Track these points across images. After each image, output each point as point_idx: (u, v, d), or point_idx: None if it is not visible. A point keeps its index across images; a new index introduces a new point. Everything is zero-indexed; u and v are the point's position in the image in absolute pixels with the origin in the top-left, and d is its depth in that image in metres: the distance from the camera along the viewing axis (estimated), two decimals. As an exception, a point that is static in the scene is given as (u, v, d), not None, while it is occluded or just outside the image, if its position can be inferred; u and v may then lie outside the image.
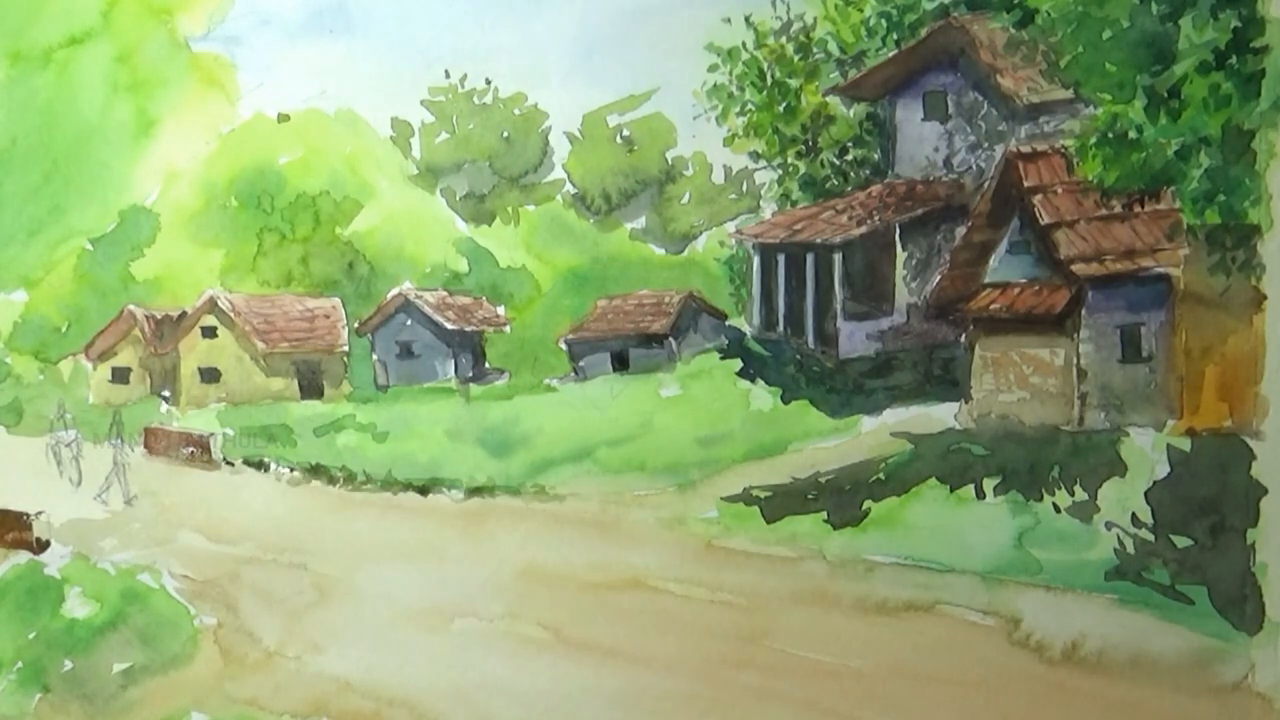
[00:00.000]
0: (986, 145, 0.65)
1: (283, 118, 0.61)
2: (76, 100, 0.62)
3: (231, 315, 0.65)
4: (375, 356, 0.70)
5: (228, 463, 0.69)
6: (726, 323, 0.71)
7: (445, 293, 0.68)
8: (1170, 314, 0.63)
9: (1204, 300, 0.64)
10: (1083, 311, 0.64)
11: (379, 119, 0.62)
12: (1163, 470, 0.61)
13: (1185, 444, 0.61)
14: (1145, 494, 0.62)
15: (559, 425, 0.65)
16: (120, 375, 0.71)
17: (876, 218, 0.66)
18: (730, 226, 0.68)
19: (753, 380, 0.66)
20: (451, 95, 0.64)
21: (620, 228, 0.68)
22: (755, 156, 0.67)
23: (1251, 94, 0.64)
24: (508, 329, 0.69)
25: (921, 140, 0.67)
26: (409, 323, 0.69)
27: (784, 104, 0.66)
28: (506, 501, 0.64)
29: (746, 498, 0.62)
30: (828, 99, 0.67)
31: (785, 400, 0.65)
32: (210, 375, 0.69)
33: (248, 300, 0.66)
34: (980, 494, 0.62)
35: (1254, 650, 0.62)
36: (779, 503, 0.62)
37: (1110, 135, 0.66)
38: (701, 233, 0.67)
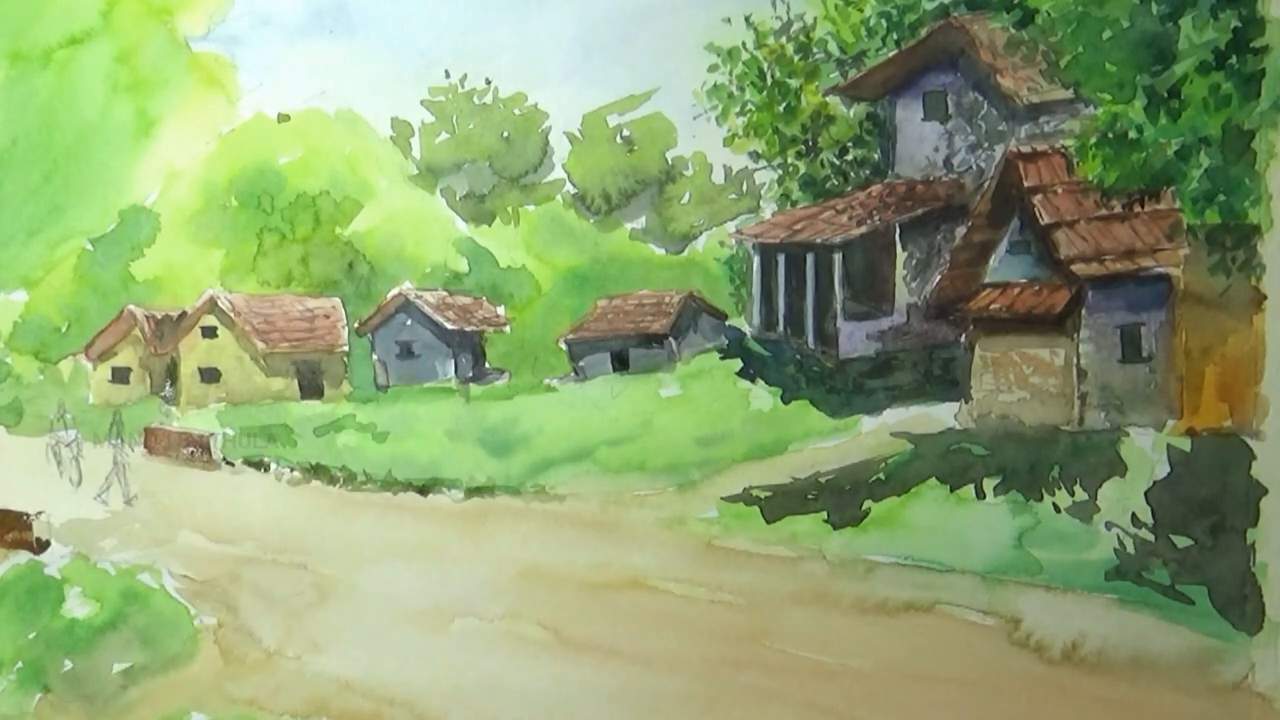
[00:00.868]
0: (986, 145, 0.65)
1: (283, 118, 0.60)
2: (76, 100, 0.62)
3: (231, 315, 0.65)
4: (375, 356, 0.70)
5: (228, 463, 0.69)
6: (726, 323, 0.71)
7: (445, 293, 0.68)
8: (1170, 314, 0.63)
9: (1204, 300, 0.64)
10: (1083, 311, 0.64)
11: (379, 119, 0.62)
12: (1163, 470, 0.61)
13: (1185, 444, 0.61)
14: (1145, 494, 0.61)
15: (559, 425, 0.64)
16: (120, 375, 0.70)
17: (876, 218, 0.66)
18: (730, 226, 0.68)
19: (753, 380, 0.66)
20: (451, 95, 0.64)
21: (620, 228, 0.68)
22: (755, 156, 0.67)
23: (1251, 94, 0.64)
24: (508, 329, 0.69)
25: (921, 140, 0.67)
26: (409, 323, 0.69)
27: (784, 104, 0.66)
28: (506, 501, 0.64)
29: (746, 498, 0.62)
30: (828, 99, 0.67)
31: (785, 400, 0.65)
32: (210, 375, 0.69)
33: (248, 300, 0.66)
34: (980, 494, 0.62)
35: (1254, 650, 0.62)
36: (779, 503, 0.62)
37: (1110, 135, 0.66)
38: (701, 233, 0.67)
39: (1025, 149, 0.65)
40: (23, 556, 0.74)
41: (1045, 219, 0.65)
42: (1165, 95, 0.65)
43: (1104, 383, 0.63)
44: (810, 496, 0.63)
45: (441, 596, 0.65)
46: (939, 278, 0.66)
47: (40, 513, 0.73)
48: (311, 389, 0.72)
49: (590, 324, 0.69)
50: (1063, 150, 0.64)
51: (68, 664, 0.71)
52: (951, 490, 0.63)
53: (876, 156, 0.69)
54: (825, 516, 0.63)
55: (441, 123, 0.66)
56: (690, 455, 0.64)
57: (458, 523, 0.69)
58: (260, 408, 0.73)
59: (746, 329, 0.70)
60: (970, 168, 0.67)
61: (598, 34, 0.62)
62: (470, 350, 0.72)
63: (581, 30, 0.62)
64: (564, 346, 0.69)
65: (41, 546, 0.75)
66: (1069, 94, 0.63)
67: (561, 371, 0.69)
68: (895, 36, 0.69)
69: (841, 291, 0.68)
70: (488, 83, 0.65)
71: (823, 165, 0.69)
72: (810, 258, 0.69)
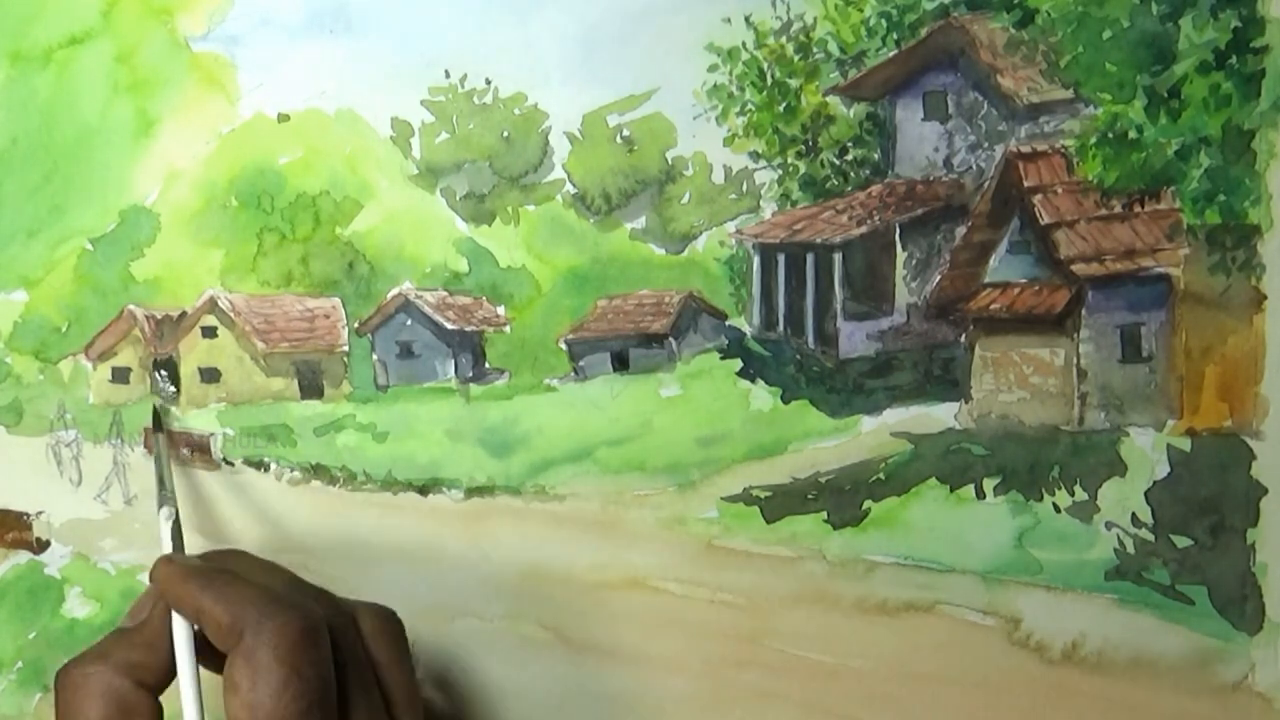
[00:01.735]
0: (986, 145, 0.65)
1: (283, 118, 0.59)
2: (76, 100, 0.60)
3: (231, 315, 0.63)
4: (375, 356, 0.68)
5: (227, 463, 0.68)
6: (726, 323, 0.69)
7: (445, 293, 0.66)
8: (1170, 314, 0.63)
9: (1204, 300, 0.64)
10: (1083, 311, 0.64)
11: (379, 119, 0.60)
12: (1163, 470, 0.61)
13: (1185, 444, 0.60)
14: (1145, 494, 0.61)
15: (559, 425, 0.64)
16: (120, 375, 0.69)
17: (876, 218, 0.66)
18: (730, 226, 0.67)
19: (753, 380, 0.65)
20: (451, 95, 0.63)
21: (620, 228, 0.66)
22: (755, 156, 0.65)
23: (1251, 94, 0.64)
24: (508, 329, 0.67)
25: (921, 140, 0.67)
26: (409, 323, 0.67)
27: (784, 104, 0.65)
28: (506, 501, 0.63)
29: (746, 498, 0.62)
30: (828, 99, 0.66)
31: (785, 400, 0.65)
32: (210, 375, 0.68)
33: (248, 300, 0.64)
34: (980, 494, 0.62)
35: (1254, 650, 0.63)
36: (779, 503, 0.62)
37: (1110, 135, 0.66)
38: (701, 233, 0.66)
39: (1025, 149, 0.64)
40: (23, 556, 0.73)
41: (1045, 219, 0.64)
42: (1165, 95, 0.66)
43: (1104, 383, 0.63)
44: (810, 496, 0.62)
45: (441, 596, 0.64)
46: (939, 278, 0.65)
47: (40, 513, 0.72)
48: (311, 389, 0.71)
49: (590, 324, 0.68)
50: (1063, 150, 0.64)
51: (67, 664, 0.72)
52: (951, 490, 0.63)
53: (876, 156, 0.68)
54: (825, 516, 0.63)
55: (441, 123, 0.64)
56: (690, 455, 0.64)
57: (458, 523, 0.68)
58: (260, 408, 0.71)
59: (746, 329, 0.68)
60: (970, 168, 0.66)
61: (598, 34, 0.62)
62: (470, 350, 0.70)
63: (581, 30, 0.61)
64: (564, 346, 0.68)
65: (41, 546, 0.75)
66: (1069, 94, 0.63)
67: (561, 371, 0.68)
68: (895, 36, 0.69)
69: (841, 291, 0.67)
70: (488, 83, 0.63)
71: (823, 165, 0.68)
72: (810, 258, 0.68)
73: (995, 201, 0.70)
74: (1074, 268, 0.69)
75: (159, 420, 0.62)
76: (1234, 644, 0.63)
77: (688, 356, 0.69)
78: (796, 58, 0.68)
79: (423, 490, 0.68)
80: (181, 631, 0.37)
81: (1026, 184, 0.70)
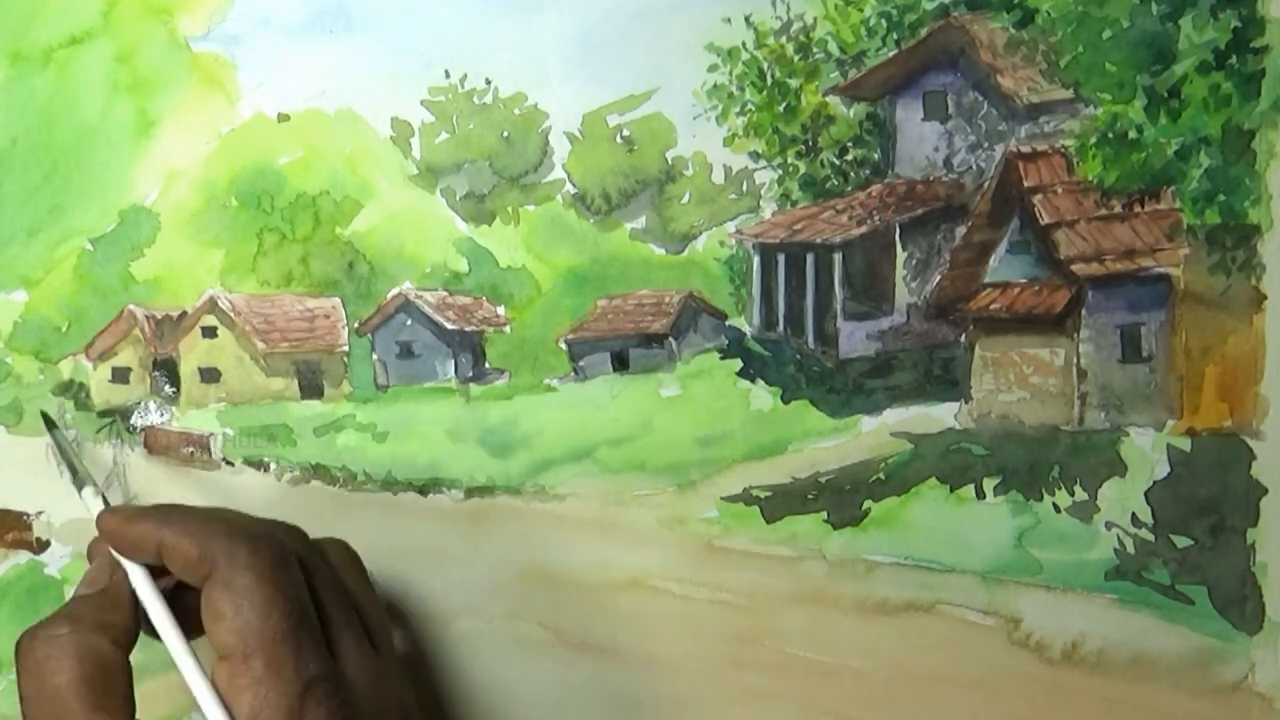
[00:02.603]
0: (986, 145, 0.65)
1: (283, 118, 0.59)
2: (76, 100, 0.60)
3: (231, 315, 0.63)
4: (375, 356, 0.68)
5: (227, 463, 0.68)
6: (726, 323, 0.69)
7: (445, 293, 0.66)
8: (1170, 314, 0.63)
9: (1204, 300, 0.64)
10: (1083, 311, 0.64)
11: (379, 119, 0.60)
12: (1163, 470, 0.61)
13: (1185, 444, 0.60)
14: (1145, 494, 0.61)
15: (559, 425, 0.63)
16: (120, 375, 0.69)
17: (876, 218, 0.66)
18: (730, 226, 0.66)
19: (753, 380, 0.65)
20: (451, 95, 0.63)
21: (620, 228, 0.66)
22: (755, 156, 0.65)
23: (1251, 94, 0.64)
24: (508, 329, 0.67)
25: (921, 140, 0.66)
26: (409, 323, 0.67)
27: (784, 104, 0.65)
28: (507, 501, 0.63)
29: (746, 498, 0.62)
30: (828, 99, 0.66)
31: (785, 400, 0.64)
32: (210, 375, 0.68)
33: (248, 300, 0.64)
34: (980, 494, 0.62)
35: (1254, 650, 0.63)
36: (779, 503, 0.62)
37: (1110, 135, 0.66)
38: (701, 233, 0.66)
39: (1025, 149, 0.64)
40: (23, 556, 0.73)
41: (1045, 219, 0.64)
42: (1165, 95, 0.66)
43: (1104, 383, 0.63)
44: (810, 496, 0.62)
45: (441, 596, 0.64)
46: (939, 278, 0.65)
47: (40, 513, 0.72)
48: (311, 389, 0.70)
49: (590, 324, 0.67)
50: (1063, 150, 0.64)
51: (68, 664, 0.72)
52: (951, 490, 0.63)
53: (876, 156, 0.68)
54: (825, 516, 0.62)
55: (441, 123, 0.64)
56: (690, 455, 0.64)
57: (458, 523, 0.68)
58: (260, 408, 0.71)
59: (746, 329, 0.68)
60: (970, 168, 0.66)
61: (598, 34, 0.62)
62: (470, 350, 0.70)
63: (581, 30, 0.61)
64: (564, 346, 0.67)
65: (41, 546, 0.75)
66: (1069, 94, 0.63)
67: (561, 371, 0.68)
68: (895, 36, 0.68)
69: (841, 291, 0.67)
70: (488, 83, 0.63)
71: (823, 165, 0.68)
72: (810, 258, 0.68)
73: (995, 201, 0.70)
74: (1074, 268, 0.69)
75: (50, 423, 0.62)
76: (1234, 644, 0.63)
77: (688, 356, 0.69)
78: (796, 58, 0.68)
79: (423, 490, 0.68)
80: (144, 584, 0.37)
81: (1026, 184, 0.70)
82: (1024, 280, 0.67)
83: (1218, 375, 0.62)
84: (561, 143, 0.57)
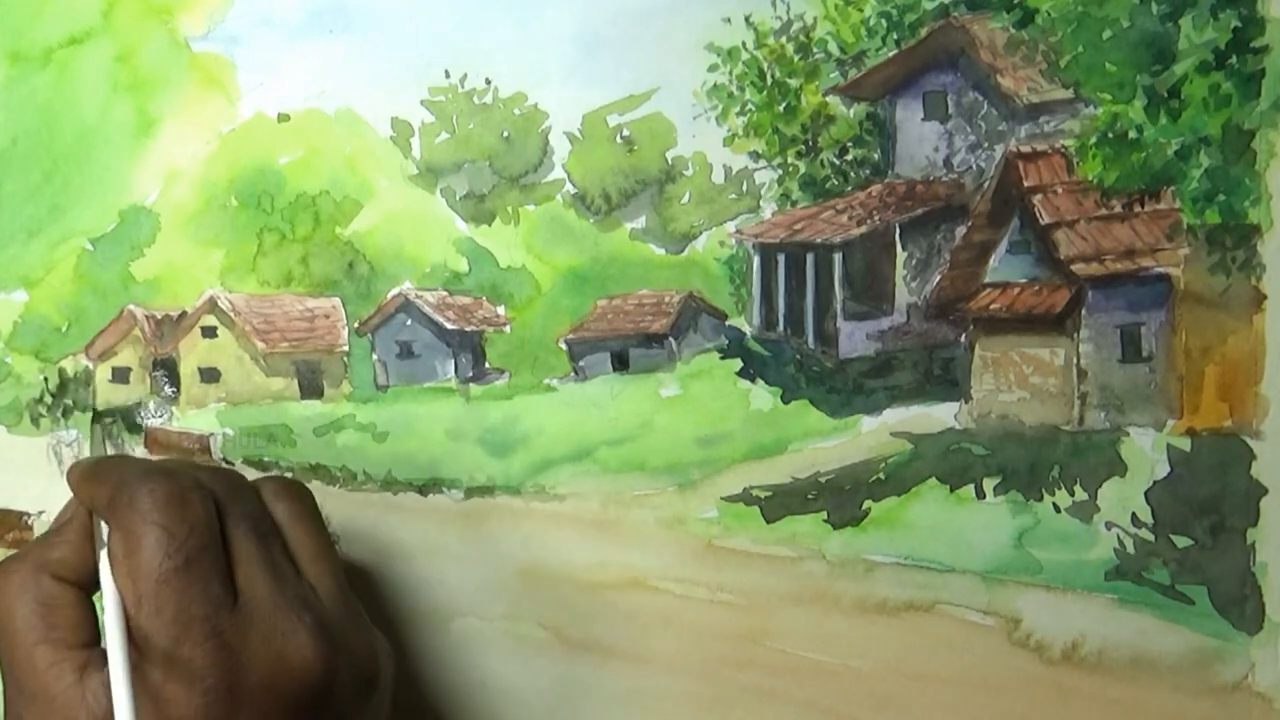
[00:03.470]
0: (986, 145, 0.64)
1: (283, 118, 0.59)
2: (76, 100, 0.60)
3: (231, 315, 0.63)
4: (375, 356, 0.68)
5: (228, 462, 0.68)
6: (726, 323, 0.69)
7: (445, 293, 0.65)
8: (1170, 314, 0.63)
9: (1204, 300, 0.64)
10: (1083, 311, 0.63)
11: (379, 119, 0.60)
12: (1163, 470, 0.61)
13: (1185, 444, 0.60)
14: (1145, 494, 0.61)
15: (559, 425, 0.63)
16: (120, 375, 0.69)
17: (876, 218, 0.65)
18: (730, 226, 0.66)
19: (753, 380, 0.65)
20: (451, 95, 0.62)
21: (620, 228, 0.66)
22: (755, 156, 0.65)
23: (1251, 94, 0.64)
24: (508, 329, 0.66)
25: (921, 140, 0.66)
26: (409, 323, 0.67)
27: (784, 104, 0.65)
28: (506, 501, 0.63)
29: (746, 498, 0.61)
30: (828, 99, 0.66)
31: (785, 400, 0.64)
32: (210, 375, 0.68)
33: (248, 300, 0.64)
34: (980, 494, 0.62)
35: (1254, 650, 0.62)
36: (779, 503, 0.61)
37: (1110, 135, 0.66)
38: (701, 233, 0.65)
39: (1025, 149, 0.64)
40: (23, 556, 0.74)
41: (1045, 219, 0.64)
42: (1165, 95, 0.65)
43: (1104, 383, 0.63)
44: (810, 496, 0.62)
45: (441, 596, 0.64)
46: (939, 278, 0.65)
47: (41, 513, 0.72)
48: (311, 389, 0.70)
49: (590, 324, 0.67)
50: (1063, 150, 0.63)
51: (68, 664, 0.72)
52: (951, 490, 0.62)
53: (876, 156, 0.68)
54: (825, 516, 0.62)
55: (441, 123, 0.64)
56: (690, 455, 0.63)
57: (458, 523, 0.67)
58: (260, 407, 0.71)
59: (746, 329, 0.68)
60: (970, 168, 0.66)
61: (598, 34, 0.62)
62: (470, 350, 0.70)
63: (581, 30, 0.61)
64: (564, 346, 0.67)
65: (41, 546, 0.76)
66: (1069, 94, 0.63)
67: (561, 371, 0.67)
68: (895, 36, 0.68)
69: (841, 291, 0.66)
70: (488, 83, 0.63)
71: (823, 165, 0.68)
72: (810, 258, 0.67)
73: (995, 201, 0.70)
74: (1074, 268, 0.69)
75: (97, 414, 0.63)
76: (1234, 644, 0.63)
77: (688, 356, 0.69)
78: (796, 58, 0.68)
79: (422, 490, 0.68)
80: (97, 531, 0.38)
81: (1026, 184, 0.70)
82: (1024, 280, 0.67)
83: (1218, 375, 0.62)
84: (561, 143, 0.57)
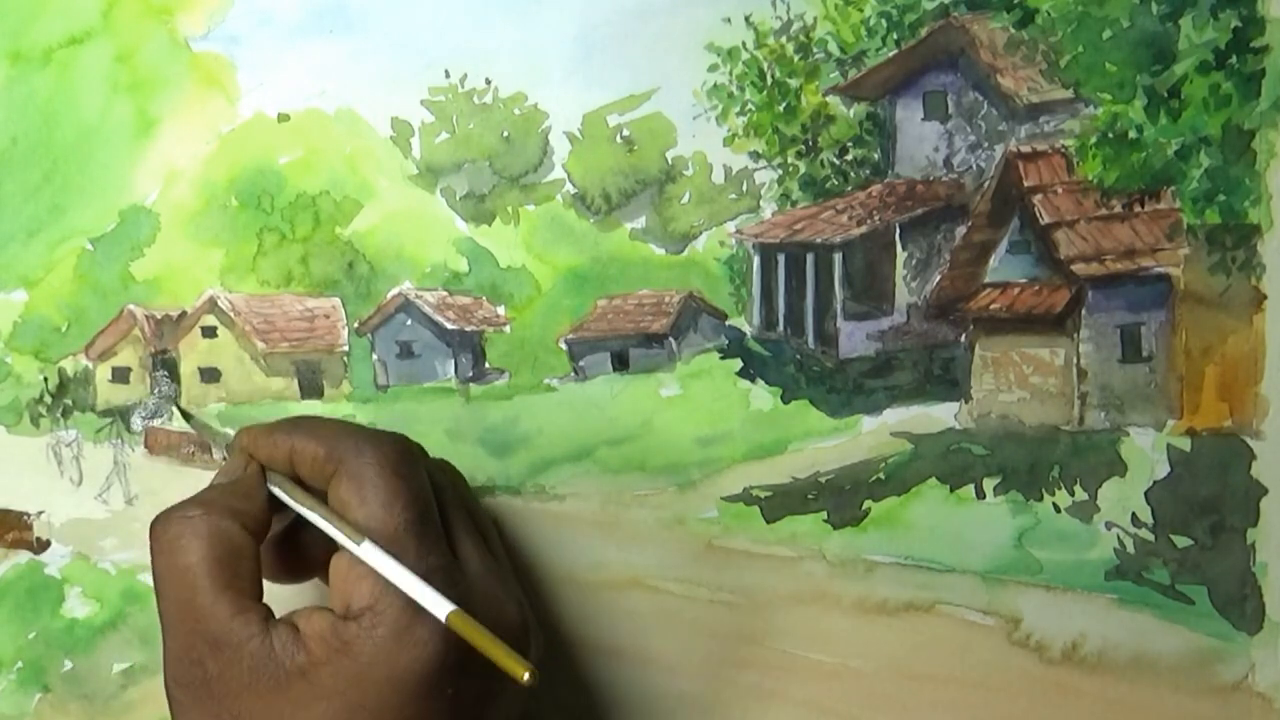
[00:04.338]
0: (986, 145, 0.64)
1: (283, 118, 0.59)
2: (76, 100, 0.60)
3: (231, 315, 0.63)
4: (375, 356, 0.67)
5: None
6: (726, 323, 0.68)
7: (445, 293, 0.65)
8: (1170, 314, 0.63)
9: (1204, 300, 0.64)
10: (1083, 311, 0.63)
11: (379, 119, 0.60)
12: (1163, 470, 0.60)
13: (1185, 444, 0.60)
14: (1145, 494, 0.61)
15: (559, 425, 0.63)
16: (120, 375, 0.69)
17: (876, 218, 0.65)
18: (730, 226, 0.66)
19: (753, 380, 0.64)
20: (451, 95, 0.62)
21: (620, 228, 0.65)
22: (755, 156, 0.65)
23: (1251, 94, 0.64)
24: (508, 329, 0.66)
25: (921, 140, 0.66)
26: (409, 323, 0.66)
27: (784, 104, 0.64)
28: (507, 501, 0.62)
29: (746, 498, 0.61)
30: (828, 99, 0.65)
31: (785, 400, 0.64)
32: (210, 375, 0.67)
33: (248, 300, 0.63)
34: (980, 494, 0.61)
35: (1254, 650, 0.62)
36: (779, 502, 0.61)
37: (1110, 135, 0.66)
38: (701, 233, 0.65)
39: (1025, 149, 0.64)
40: (23, 556, 0.73)
41: (1045, 219, 0.64)
42: (1165, 95, 0.65)
43: (1104, 383, 0.63)
44: (810, 496, 0.62)
45: (441, 596, 0.65)
46: (939, 278, 0.64)
47: (40, 512, 0.71)
48: (311, 389, 0.70)
49: (590, 324, 0.67)
50: (1063, 150, 0.63)
51: (68, 664, 0.70)
52: (951, 490, 0.62)
53: (876, 156, 0.67)
54: (825, 516, 0.62)
55: (441, 123, 0.63)
56: (690, 455, 0.63)
57: (458, 523, 0.69)
58: (260, 407, 0.70)
59: (746, 329, 0.67)
60: (970, 168, 0.66)
61: (598, 34, 0.61)
62: (470, 350, 0.70)
63: (581, 30, 0.61)
64: (564, 346, 0.67)
65: (41, 546, 0.74)
66: (1069, 94, 0.63)
67: (561, 371, 0.67)
68: (895, 36, 0.68)
69: (841, 291, 0.66)
70: (488, 83, 0.63)
71: (823, 165, 0.67)
72: (810, 258, 0.67)
73: (995, 201, 0.70)
74: (1074, 268, 0.69)
75: (187, 415, 0.64)
76: (1234, 644, 0.63)
77: (688, 356, 0.69)
78: (796, 58, 0.68)
79: (422, 490, 0.67)
80: (278, 479, 0.41)
81: (1026, 184, 0.70)
82: (1024, 280, 0.67)
83: (1218, 375, 0.62)
84: (561, 143, 0.57)
